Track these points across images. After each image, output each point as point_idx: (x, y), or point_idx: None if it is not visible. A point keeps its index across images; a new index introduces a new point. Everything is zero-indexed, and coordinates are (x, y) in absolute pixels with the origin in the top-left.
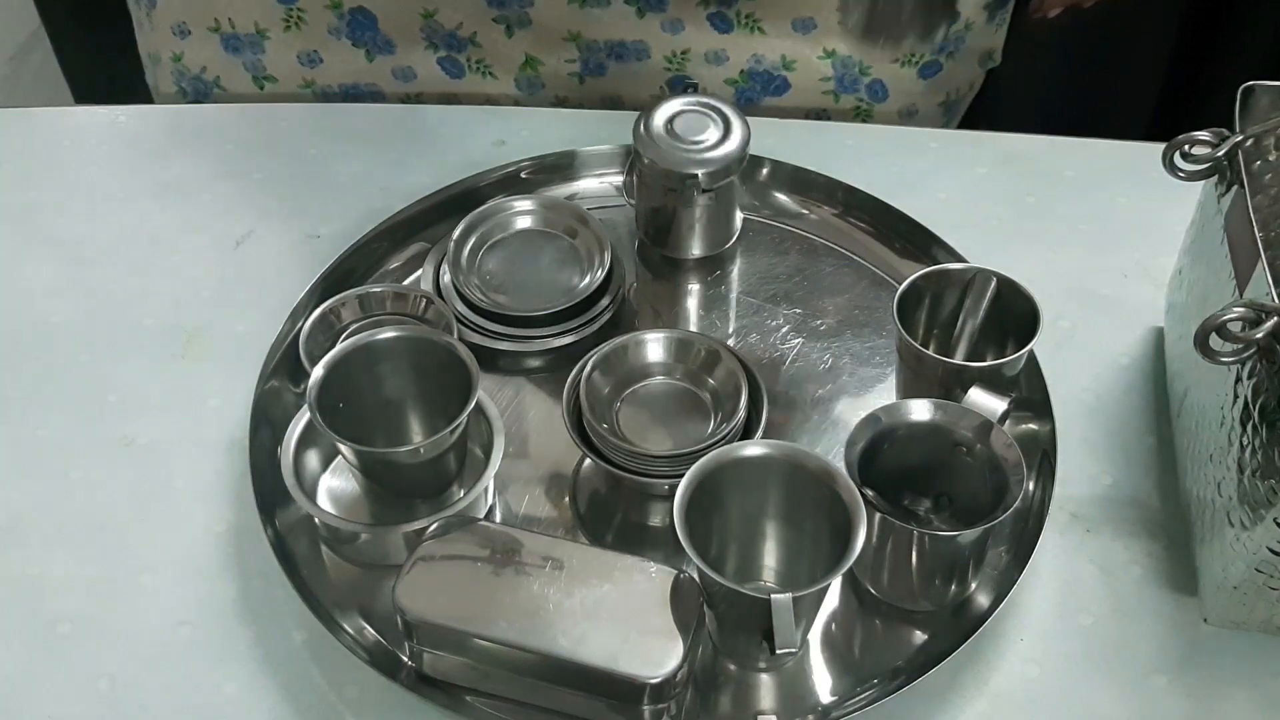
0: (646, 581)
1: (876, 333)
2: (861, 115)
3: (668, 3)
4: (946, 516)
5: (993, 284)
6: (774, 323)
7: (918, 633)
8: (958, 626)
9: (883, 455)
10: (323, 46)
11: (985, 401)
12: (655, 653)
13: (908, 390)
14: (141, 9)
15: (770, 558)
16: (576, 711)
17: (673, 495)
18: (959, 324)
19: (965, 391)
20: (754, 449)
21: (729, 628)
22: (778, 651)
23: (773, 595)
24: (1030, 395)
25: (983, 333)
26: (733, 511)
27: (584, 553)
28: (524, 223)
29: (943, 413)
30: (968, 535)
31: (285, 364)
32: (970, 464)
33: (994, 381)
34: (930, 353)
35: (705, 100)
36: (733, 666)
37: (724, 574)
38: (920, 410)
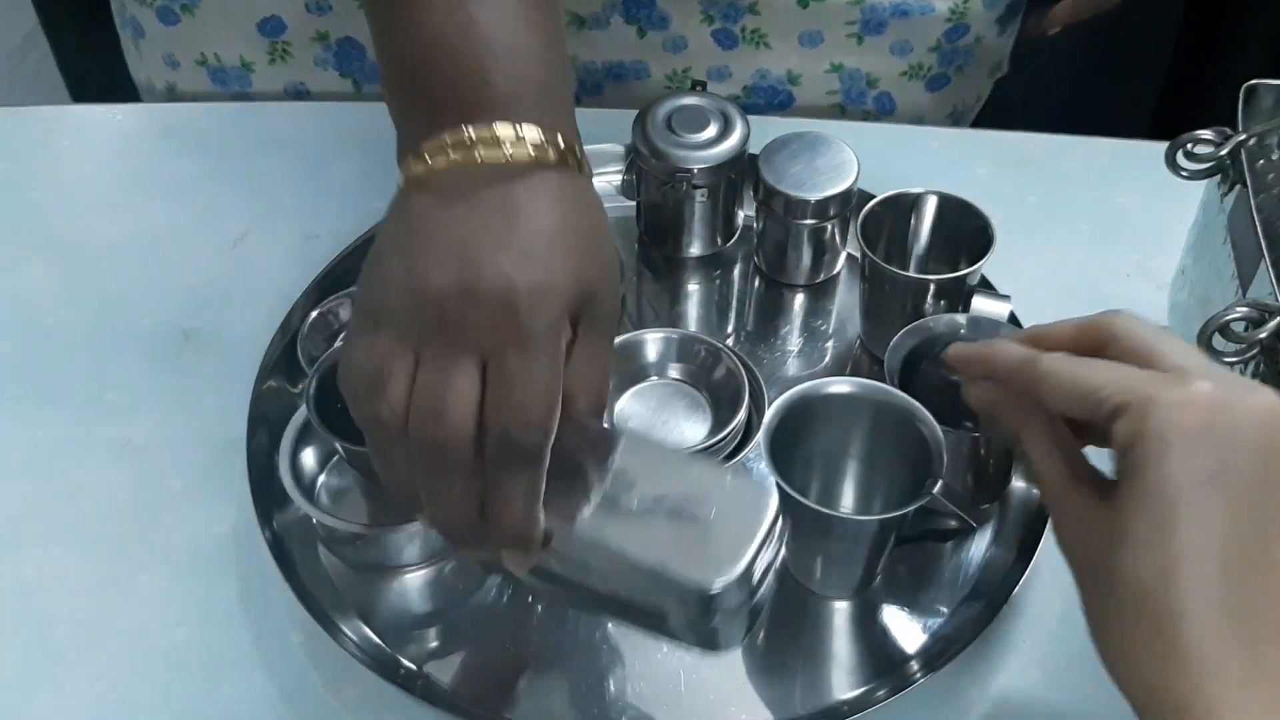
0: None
1: None
2: None
3: (670, 22)
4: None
5: (942, 204)
6: (774, 322)
7: (918, 634)
8: (959, 628)
9: (920, 369)
10: (309, 78)
11: (990, 308)
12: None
13: (871, 319)
14: (129, 37)
15: (848, 497)
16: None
17: None
18: (915, 246)
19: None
20: (841, 386)
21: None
22: None
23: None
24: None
25: (940, 254)
26: (815, 447)
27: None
28: None
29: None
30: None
31: (283, 364)
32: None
33: (955, 295)
34: (895, 269)
35: (707, 98)
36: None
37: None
38: (952, 323)
